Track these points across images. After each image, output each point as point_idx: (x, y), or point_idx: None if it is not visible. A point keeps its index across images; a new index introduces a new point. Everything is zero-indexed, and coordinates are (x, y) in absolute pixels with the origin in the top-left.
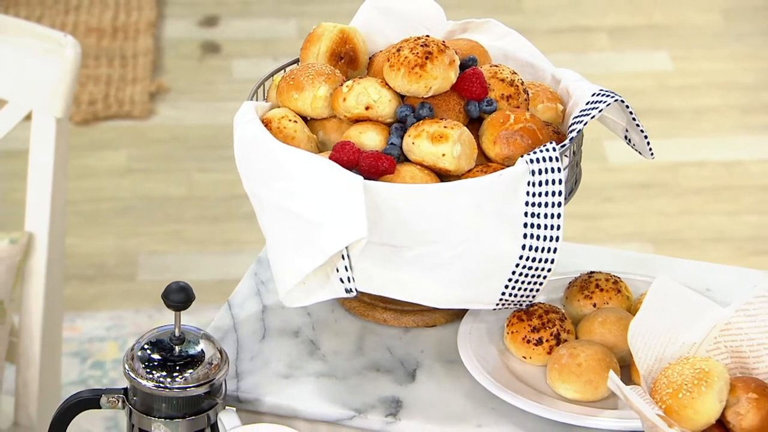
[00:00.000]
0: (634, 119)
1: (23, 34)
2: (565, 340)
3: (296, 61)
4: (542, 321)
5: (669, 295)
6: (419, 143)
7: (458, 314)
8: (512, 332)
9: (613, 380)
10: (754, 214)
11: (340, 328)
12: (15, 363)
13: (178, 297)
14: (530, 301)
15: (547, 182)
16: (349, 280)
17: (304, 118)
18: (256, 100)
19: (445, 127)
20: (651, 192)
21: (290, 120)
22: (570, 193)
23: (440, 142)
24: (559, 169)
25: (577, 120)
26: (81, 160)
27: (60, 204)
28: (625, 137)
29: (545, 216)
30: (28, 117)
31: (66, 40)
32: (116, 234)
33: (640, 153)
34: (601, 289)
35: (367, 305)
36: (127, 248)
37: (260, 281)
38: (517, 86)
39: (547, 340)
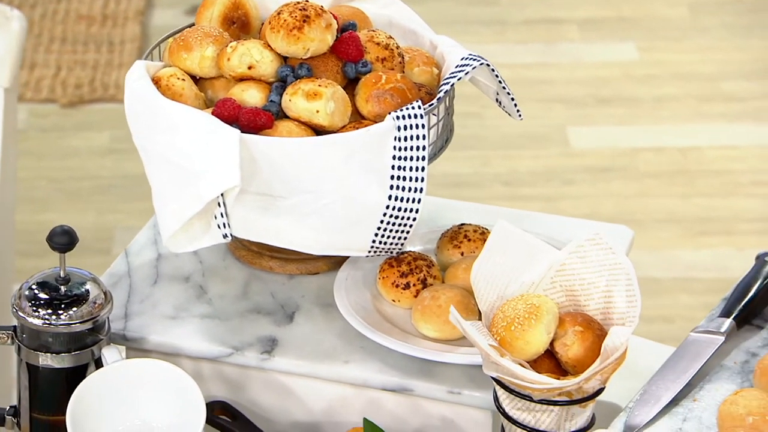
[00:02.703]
0: (500, 82)
1: None
2: (432, 285)
3: (192, 26)
4: (411, 267)
5: (509, 239)
6: (295, 100)
7: (339, 262)
8: (383, 277)
9: (454, 315)
10: (705, 197)
11: (228, 274)
12: None
13: (62, 239)
14: (400, 249)
15: (412, 137)
16: (225, 226)
17: (194, 78)
18: (152, 60)
19: (319, 85)
20: (610, 175)
21: (179, 78)
22: (440, 149)
23: (314, 99)
24: (423, 126)
25: (445, 82)
26: (65, 140)
27: (10, 172)
28: (497, 100)
29: (410, 169)
30: None
31: (12, 13)
32: (96, 210)
33: (509, 114)
34: (469, 239)
35: (255, 254)
36: (105, 224)
37: (157, 232)
38: (392, 50)
39: (414, 285)
